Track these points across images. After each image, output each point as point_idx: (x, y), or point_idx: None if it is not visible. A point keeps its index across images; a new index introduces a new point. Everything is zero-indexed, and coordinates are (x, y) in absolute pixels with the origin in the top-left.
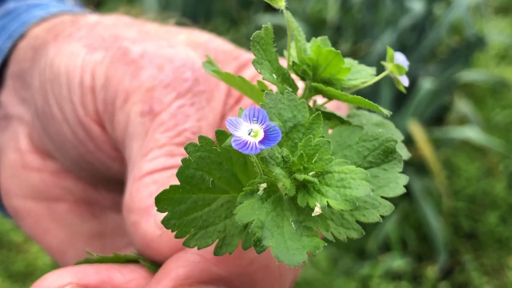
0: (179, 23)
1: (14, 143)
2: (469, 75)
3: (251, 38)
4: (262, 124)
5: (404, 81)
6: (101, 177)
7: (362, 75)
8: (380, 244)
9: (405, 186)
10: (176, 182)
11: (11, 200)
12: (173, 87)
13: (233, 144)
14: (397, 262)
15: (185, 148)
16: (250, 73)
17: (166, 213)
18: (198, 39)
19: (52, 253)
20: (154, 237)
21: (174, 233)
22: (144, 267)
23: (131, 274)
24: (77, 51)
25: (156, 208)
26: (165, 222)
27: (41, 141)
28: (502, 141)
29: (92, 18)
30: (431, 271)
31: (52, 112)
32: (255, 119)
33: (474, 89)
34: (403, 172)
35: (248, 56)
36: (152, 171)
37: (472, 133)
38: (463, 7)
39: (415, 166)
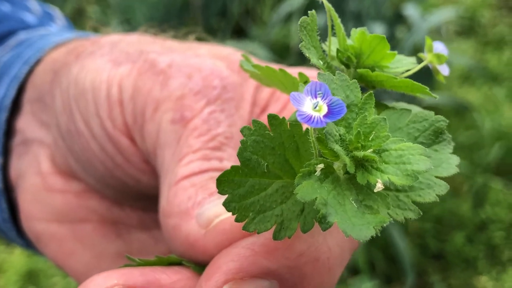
0: (199, 39)
1: (35, 167)
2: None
3: (298, 23)
4: (325, 99)
5: (444, 70)
6: (127, 193)
7: (404, 63)
8: (349, 267)
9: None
10: (214, 185)
11: (33, 225)
12: (203, 94)
13: (298, 118)
14: (366, 285)
15: (241, 131)
16: None
17: (227, 195)
18: (221, 52)
19: (77, 276)
20: (198, 237)
21: (222, 227)
22: (188, 268)
23: (176, 275)
24: (102, 66)
25: (218, 190)
26: (226, 205)
27: (65, 162)
28: (466, 162)
29: (114, 37)
30: None
31: (78, 129)
32: (319, 92)
33: (438, 110)
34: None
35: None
36: (189, 174)
37: None
38: (423, 30)
39: None
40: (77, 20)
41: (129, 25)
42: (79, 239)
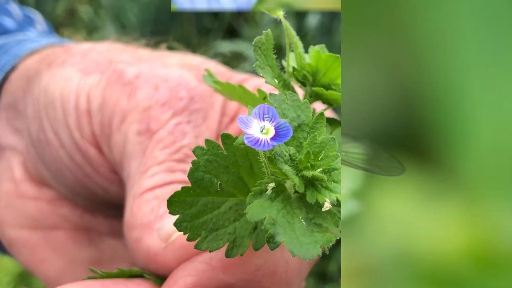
0: (170, 48)
1: (7, 173)
2: None
3: (252, 43)
4: (273, 122)
5: None
6: (98, 202)
7: None
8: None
9: None
10: None
11: (6, 231)
12: (169, 105)
13: (245, 141)
14: None
15: (193, 151)
16: None
17: (178, 215)
18: (191, 62)
19: (49, 282)
20: (158, 251)
21: (181, 242)
22: (149, 281)
23: None
24: (72, 76)
25: (168, 211)
26: (177, 225)
27: (36, 169)
28: None
29: (85, 45)
30: None
31: (47, 138)
32: (266, 116)
33: None
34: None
35: (240, 76)
36: (153, 187)
37: None
38: None
39: None
40: (69, 20)
41: (121, 25)
42: (51, 245)
